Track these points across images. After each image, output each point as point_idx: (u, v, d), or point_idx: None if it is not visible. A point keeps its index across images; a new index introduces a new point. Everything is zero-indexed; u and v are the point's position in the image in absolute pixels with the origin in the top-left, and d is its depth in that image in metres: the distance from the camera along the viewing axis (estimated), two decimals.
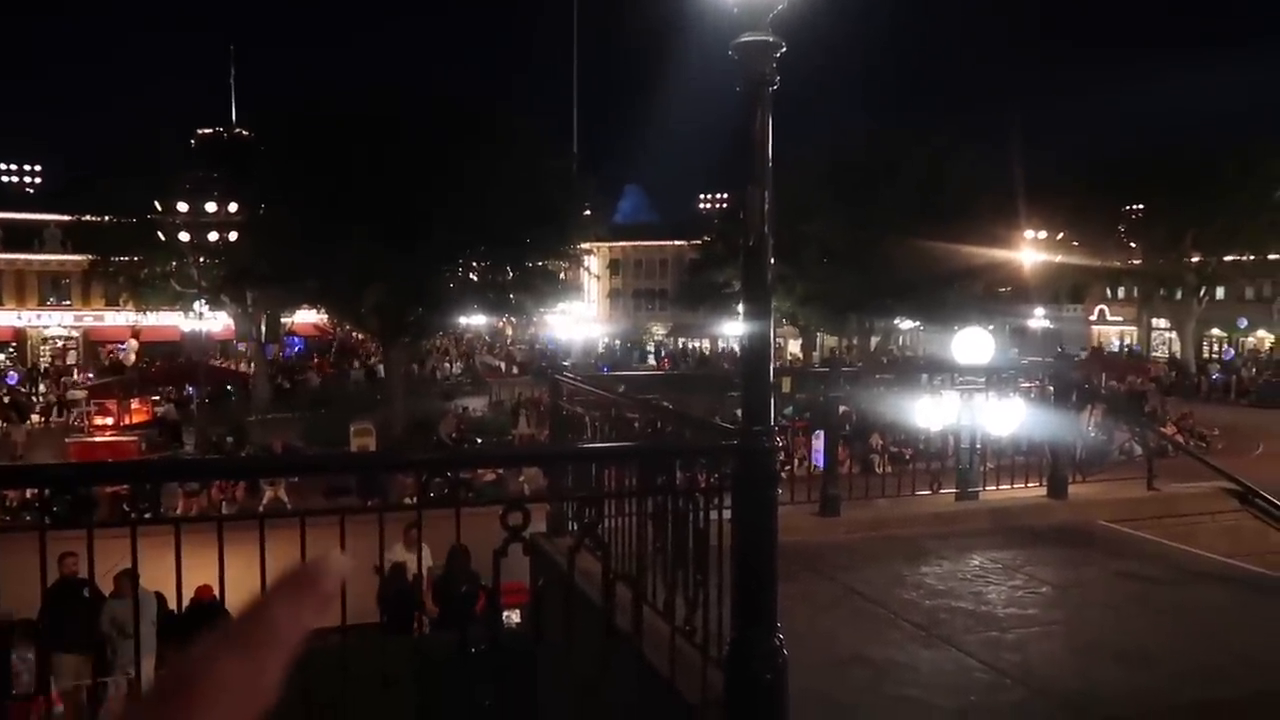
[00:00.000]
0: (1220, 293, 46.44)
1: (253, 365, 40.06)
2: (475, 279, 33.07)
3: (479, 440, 27.95)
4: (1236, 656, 5.09)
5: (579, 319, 53.54)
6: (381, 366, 37.93)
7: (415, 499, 3.66)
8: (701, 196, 76.60)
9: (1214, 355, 48.39)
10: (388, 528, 3.77)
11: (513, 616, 8.86)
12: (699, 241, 47.16)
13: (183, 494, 17.89)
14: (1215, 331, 48.81)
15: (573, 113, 58.55)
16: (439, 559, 10.46)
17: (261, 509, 14.59)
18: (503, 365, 49.83)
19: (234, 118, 53.03)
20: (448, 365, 48.41)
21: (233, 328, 42.37)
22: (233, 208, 31.32)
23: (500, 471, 17.73)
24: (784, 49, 4.02)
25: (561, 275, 35.80)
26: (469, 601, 8.00)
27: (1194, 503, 8.57)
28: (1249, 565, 6.98)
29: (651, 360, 53.85)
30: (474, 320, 45.61)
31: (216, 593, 3.50)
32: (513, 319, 41.80)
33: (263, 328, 39.42)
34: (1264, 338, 47.95)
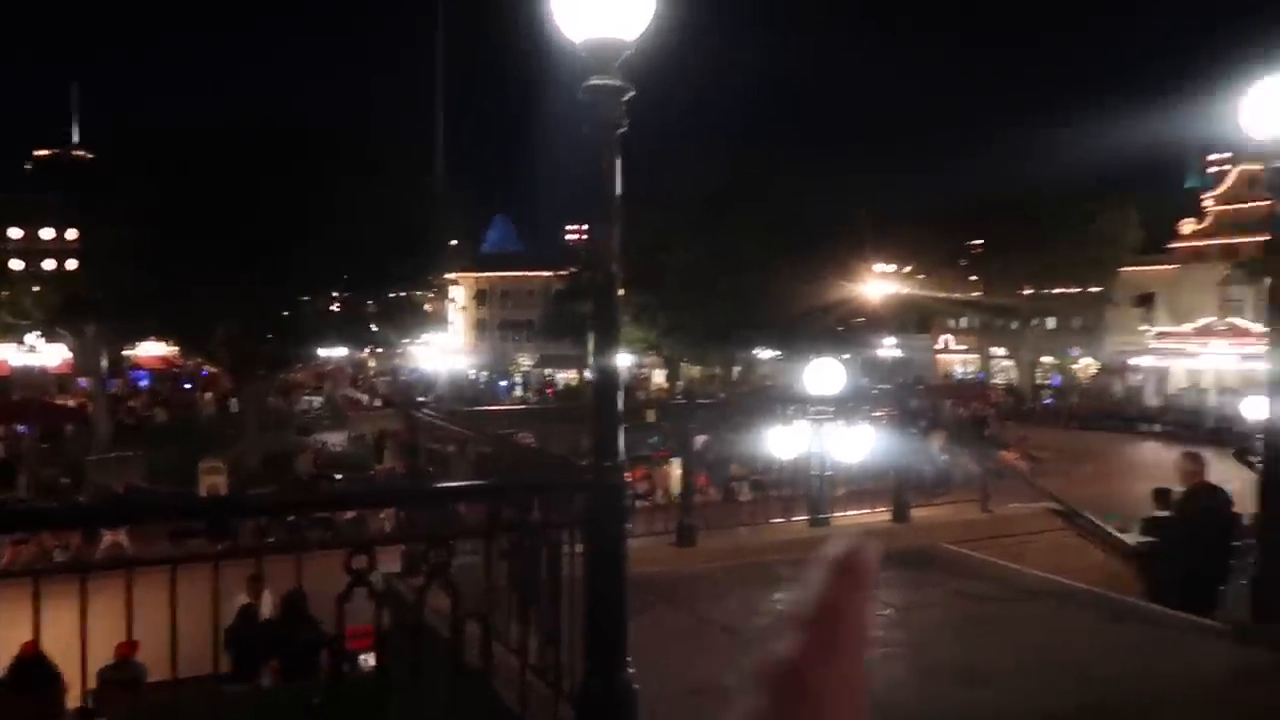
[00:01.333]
0: (1052, 323, 49.81)
1: (90, 402, 37.64)
2: (335, 310, 32.11)
3: (338, 476, 27.02)
4: (1063, 670, 5.43)
5: (443, 350, 52.71)
6: (234, 400, 36.29)
7: (257, 544, 3.55)
8: (568, 227, 76.86)
9: (1045, 382, 51.75)
10: (233, 572, 3.64)
11: (369, 659, 8.62)
12: (565, 272, 47.22)
13: (10, 542, 16.64)
14: (1048, 359, 52.10)
15: (437, 142, 57.96)
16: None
17: (99, 555, 13.74)
18: (365, 398, 48.45)
19: (75, 138, 50.10)
20: (307, 399, 46.71)
21: (72, 361, 39.78)
22: (71, 234, 29.58)
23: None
24: (632, 93, 4.07)
25: (426, 306, 35.19)
26: (312, 649, 7.71)
27: (1024, 523, 9.16)
28: (1073, 581, 7.48)
29: (519, 392, 53.39)
30: (334, 352, 44.27)
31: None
32: (376, 350, 40.72)
33: (104, 361, 37.16)
34: (1088, 365, 51.49)
